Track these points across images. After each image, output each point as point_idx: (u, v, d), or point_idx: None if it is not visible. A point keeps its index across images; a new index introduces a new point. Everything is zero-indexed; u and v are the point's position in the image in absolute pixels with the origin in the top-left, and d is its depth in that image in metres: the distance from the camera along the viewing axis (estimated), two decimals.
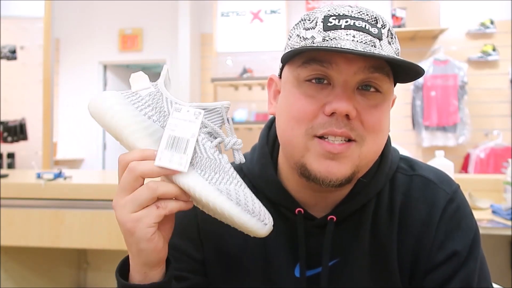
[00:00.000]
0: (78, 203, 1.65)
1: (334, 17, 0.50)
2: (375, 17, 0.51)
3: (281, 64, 0.57)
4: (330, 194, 0.58)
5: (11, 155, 3.03)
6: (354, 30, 0.49)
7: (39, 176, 1.80)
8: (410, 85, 3.67)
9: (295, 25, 0.55)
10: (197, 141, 0.48)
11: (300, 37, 0.52)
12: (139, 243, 0.46)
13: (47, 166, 2.93)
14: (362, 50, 0.46)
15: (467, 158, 3.52)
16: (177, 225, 0.52)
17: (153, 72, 5.84)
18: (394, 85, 0.56)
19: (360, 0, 3.96)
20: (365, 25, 0.49)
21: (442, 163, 1.80)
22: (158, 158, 0.45)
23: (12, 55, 3.08)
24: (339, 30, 0.49)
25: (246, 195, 0.47)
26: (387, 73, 0.51)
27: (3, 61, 3.05)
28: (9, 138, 3.02)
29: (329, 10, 0.51)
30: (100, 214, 1.62)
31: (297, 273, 0.59)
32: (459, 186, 0.61)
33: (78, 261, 2.26)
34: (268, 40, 3.84)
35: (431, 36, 3.72)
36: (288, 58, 0.54)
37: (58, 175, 1.78)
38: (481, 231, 1.49)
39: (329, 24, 0.50)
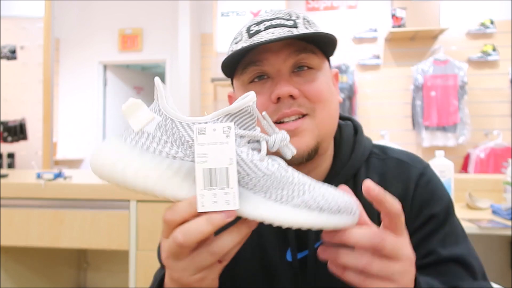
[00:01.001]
0: (78, 203, 1.65)
1: (255, 25, 0.58)
2: (288, 13, 0.59)
3: (230, 80, 0.66)
4: (309, 175, 0.61)
5: (11, 155, 3.03)
6: (272, 28, 0.57)
7: (39, 176, 1.80)
8: (410, 85, 3.67)
9: (230, 44, 0.63)
10: (242, 160, 0.39)
11: (233, 51, 0.59)
12: None
13: (47, 166, 2.93)
14: (275, 38, 0.53)
15: (467, 158, 3.52)
16: None
17: (153, 72, 5.84)
18: (328, 59, 0.63)
19: (360, 0, 3.96)
20: (281, 21, 0.57)
21: (442, 163, 1.80)
22: (200, 204, 0.37)
23: (12, 55, 3.07)
24: (261, 33, 0.57)
25: (324, 195, 0.40)
26: (312, 51, 0.58)
27: (3, 61, 3.05)
28: (9, 138, 3.02)
29: (250, 22, 0.60)
30: (100, 214, 1.62)
31: (288, 257, 0.62)
32: (429, 165, 0.67)
33: (78, 261, 2.26)
34: None
35: (431, 36, 3.72)
36: (230, 72, 0.62)
37: (58, 175, 1.78)
38: (481, 231, 1.49)
39: (251, 31, 0.58)
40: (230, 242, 0.39)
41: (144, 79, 5.28)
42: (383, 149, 0.68)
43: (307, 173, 0.60)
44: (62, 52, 4.63)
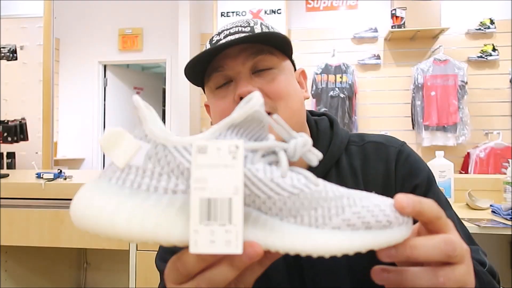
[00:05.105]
0: None
1: (216, 35, 0.64)
2: (247, 21, 0.64)
3: (202, 90, 0.70)
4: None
5: (11, 155, 3.03)
6: (230, 35, 0.61)
7: (39, 176, 1.80)
8: (410, 85, 3.67)
9: None
10: (260, 180, 0.31)
11: (192, 58, 0.62)
12: None
13: (47, 166, 2.93)
14: (229, 41, 0.57)
15: (467, 158, 3.52)
16: None
17: (153, 72, 5.83)
18: (290, 58, 0.66)
19: (360, 0, 3.96)
20: (239, 29, 0.62)
21: (442, 163, 1.80)
22: (193, 243, 0.29)
23: (12, 55, 3.07)
24: (221, 42, 0.61)
25: (369, 208, 0.32)
26: (269, 52, 0.61)
27: (3, 61, 3.05)
28: (9, 138, 3.02)
29: (213, 35, 0.65)
30: None
31: None
32: (405, 143, 0.70)
33: (78, 261, 2.26)
34: None
35: (431, 36, 3.72)
36: (199, 81, 0.66)
37: (58, 175, 1.78)
38: (481, 231, 1.48)
39: (213, 41, 0.64)
40: (255, 275, 0.34)
41: (144, 79, 5.28)
42: (360, 136, 0.71)
43: None
44: (62, 52, 4.63)
